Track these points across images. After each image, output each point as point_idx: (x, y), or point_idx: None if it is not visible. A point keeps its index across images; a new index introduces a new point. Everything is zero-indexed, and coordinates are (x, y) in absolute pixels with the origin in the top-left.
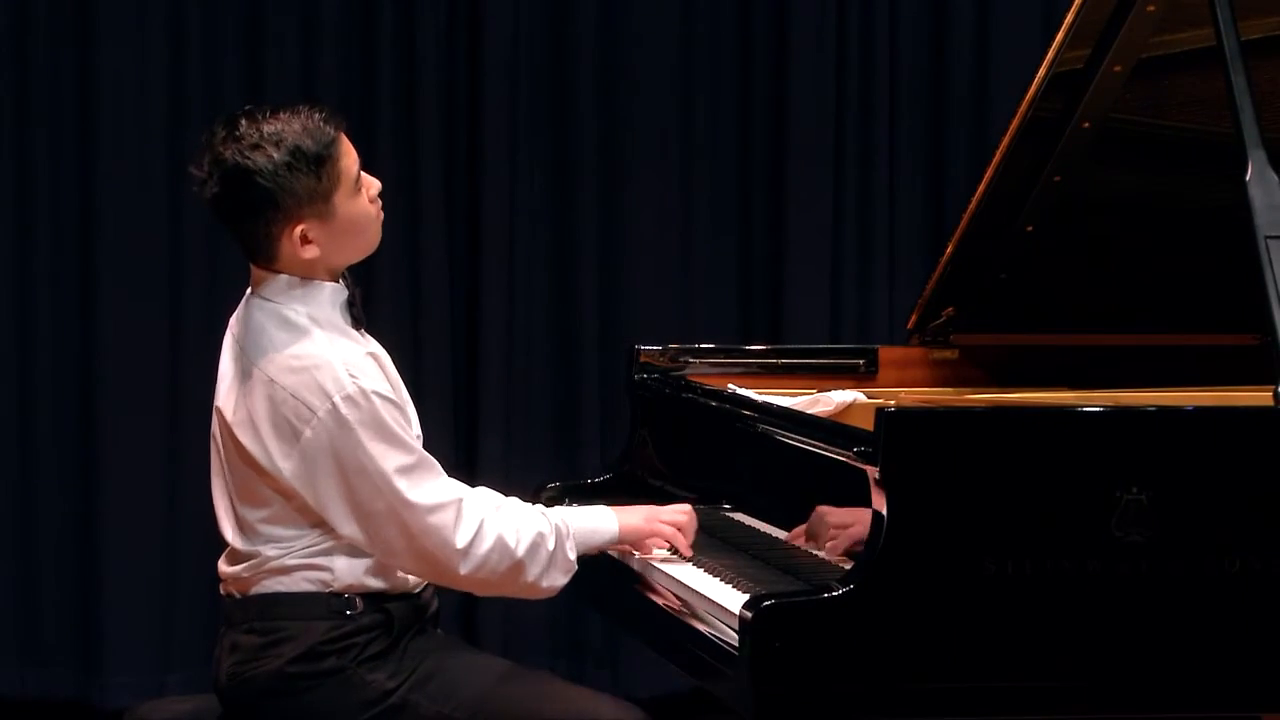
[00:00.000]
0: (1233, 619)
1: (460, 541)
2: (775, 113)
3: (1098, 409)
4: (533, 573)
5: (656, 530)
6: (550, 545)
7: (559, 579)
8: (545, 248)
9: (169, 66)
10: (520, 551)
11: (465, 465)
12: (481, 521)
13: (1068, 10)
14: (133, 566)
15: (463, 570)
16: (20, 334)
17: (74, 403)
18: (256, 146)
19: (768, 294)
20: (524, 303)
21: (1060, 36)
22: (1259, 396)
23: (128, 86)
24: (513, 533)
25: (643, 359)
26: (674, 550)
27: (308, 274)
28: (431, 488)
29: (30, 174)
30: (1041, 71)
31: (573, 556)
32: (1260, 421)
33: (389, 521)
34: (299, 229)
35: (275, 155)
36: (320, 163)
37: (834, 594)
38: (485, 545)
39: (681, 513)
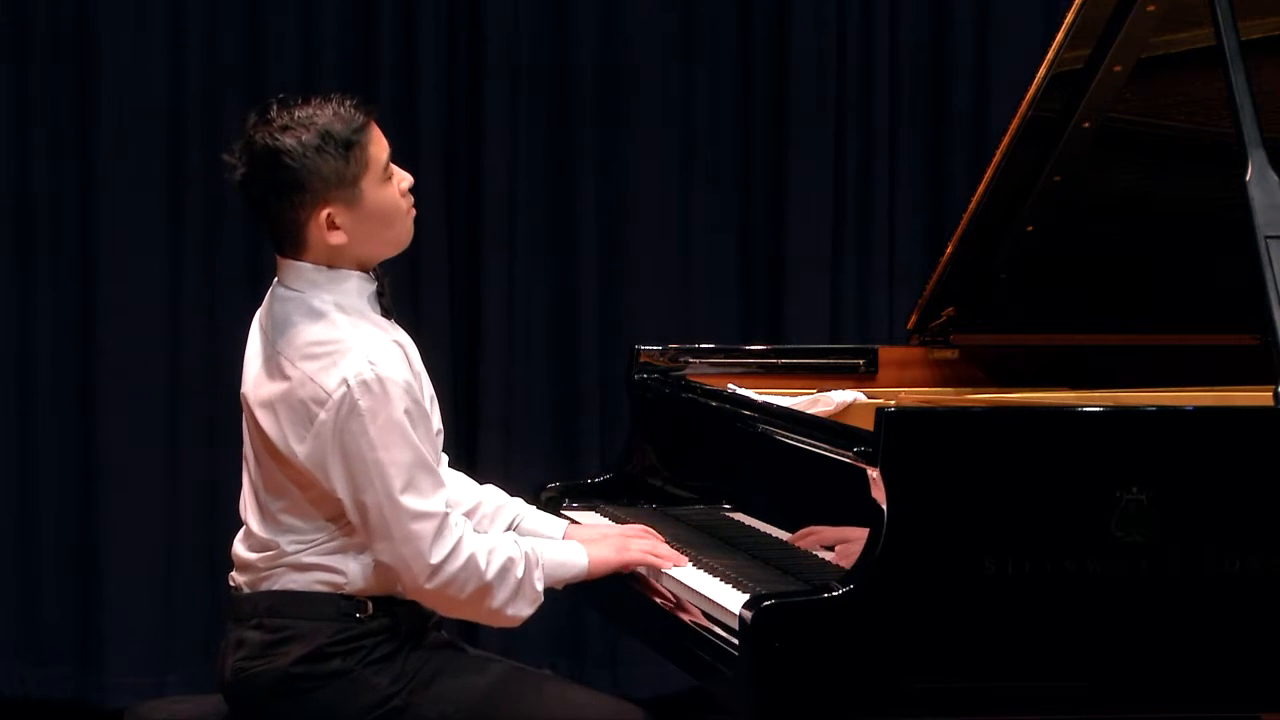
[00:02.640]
0: (1233, 619)
1: (435, 557)
2: (775, 112)
3: (1098, 409)
4: (499, 598)
5: (628, 560)
6: (519, 573)
7: (524, 609)
8: (545, 248)
9: (169, 66)
10: (490, 575)
11: (465, 465)
12: (459, 540)
13: (1068, 10)
14: (133, 566)
15: (429, 585)
16: (21, 334)
17: (74, 403)
18: (286, 129)
19: (768, 294)
20: (524, 303)
21: (1060, 36)
22: (1259, 396)
23: (128, 86)
24: (484, 554)
25: (643, 359)
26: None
27: (335, 262)
28: (423, 494)
29: (30, 174)
30: (1041, 71)
31: (540, 588)
32: (1260, 421)
33: (376, 515)
34: (325, 212)
35: (304, 137)
36: (348, 146)
37: (834, 594)
38: (457, 563)
39: (644, 533)
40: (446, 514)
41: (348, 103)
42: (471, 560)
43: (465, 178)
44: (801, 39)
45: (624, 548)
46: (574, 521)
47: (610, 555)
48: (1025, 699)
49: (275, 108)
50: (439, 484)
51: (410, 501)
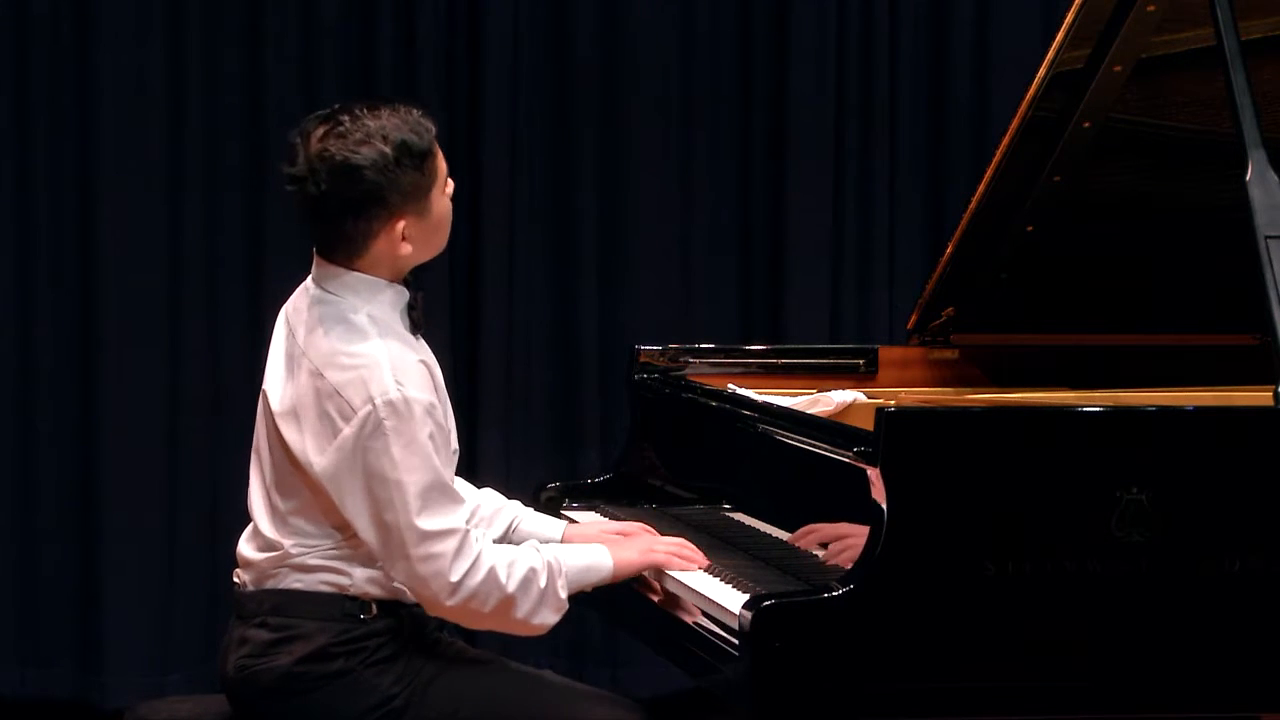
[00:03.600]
0: (1233, 619)
1: (455, 575)
2: (775, 113)
3: (1098, 409)
4: (523, 609)
5: (653, 561)
6: (542, 583)
7: (550, 617)
8: (545, 248)
9: (169, 65)
10: (511, 587)
11: (465, 465)
12: (479, 555)
13: (1068, 10)
14: (133, 566)
15: (450, 602)
16: (21, 334)
17: (74, 402)
18: (364, 141)
19: (768, 294)
20: (524, 303)
21: (1060, 36)
22: (1259, 396)
23: (128, 86)
24: (505, 567)
25: (643, 359)
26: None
27: (390, 273)
28: (442, 515)
29: (30, 174)
30: (1041, 71)
31: (564, 595)
32: (1260, 421)
33: (394, 535)
34: (400, 224)
35: (385, 149)
36: (423, 158)
37: (834, 594)
38: (477, 579)
39: (674, 542)
40: (467, 530)
41: (416, 112)
42: (492, 574)
43: (465, 178)
44: (801, 38)
45: (648, 549)
46: (573, 521)
47: (634, 557)
48: (1025, 699)
49: (345, 119)
50: (457, 502)
51: (428, 523)
